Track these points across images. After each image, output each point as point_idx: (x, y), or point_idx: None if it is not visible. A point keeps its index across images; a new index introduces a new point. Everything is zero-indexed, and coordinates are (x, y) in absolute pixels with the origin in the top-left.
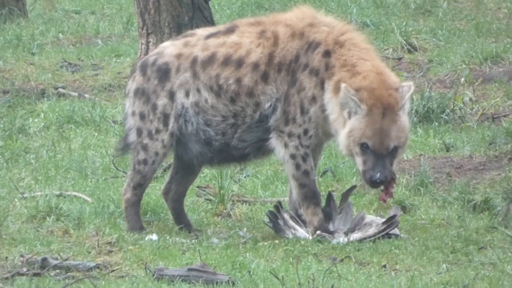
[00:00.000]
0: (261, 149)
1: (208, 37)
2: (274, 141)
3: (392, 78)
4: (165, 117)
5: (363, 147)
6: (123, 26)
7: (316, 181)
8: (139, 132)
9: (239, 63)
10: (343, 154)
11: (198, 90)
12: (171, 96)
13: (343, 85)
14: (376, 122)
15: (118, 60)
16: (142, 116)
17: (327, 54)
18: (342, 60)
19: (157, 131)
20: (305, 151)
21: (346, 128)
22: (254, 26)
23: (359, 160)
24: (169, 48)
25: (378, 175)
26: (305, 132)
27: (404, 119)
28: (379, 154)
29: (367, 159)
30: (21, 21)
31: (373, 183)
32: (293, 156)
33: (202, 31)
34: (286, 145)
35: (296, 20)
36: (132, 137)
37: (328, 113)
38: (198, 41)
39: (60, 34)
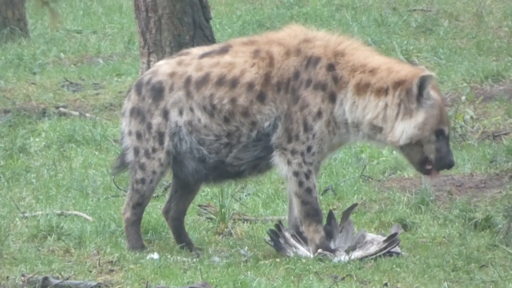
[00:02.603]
0: (257, 167)
1: (203, 56)
2: (277, 159)
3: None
4: (160, 136)
5: (439, 134)
6: (125, 45)
7: (318, 199)
8: (136, 151)
9: (234, 83)
10: (398, 144)
11: (192, 109)
12: (165, 114)
13: (417, 76)
14: (445, 108)
15: (119, 79)
16: (139, 135)
17: (331, 67)
18: (349, 67)
19: (154, 150)
20: (308, 168)
21: (418, 117)
22: (247, 46)
23: (430, 148)
24: (163, 67)
25: (454, 158)
26: (309, 149)
27: None
28: (449, 139)
29: (441, 145)
30: (23, 41)
31: (451, 166)
32: (296, 174)
33: (197, 50)
34: (289, 162)
35: (289, 38)
36: (130, 156)
37: (360, 115)
38: (192, 60)
39: (61, 53)
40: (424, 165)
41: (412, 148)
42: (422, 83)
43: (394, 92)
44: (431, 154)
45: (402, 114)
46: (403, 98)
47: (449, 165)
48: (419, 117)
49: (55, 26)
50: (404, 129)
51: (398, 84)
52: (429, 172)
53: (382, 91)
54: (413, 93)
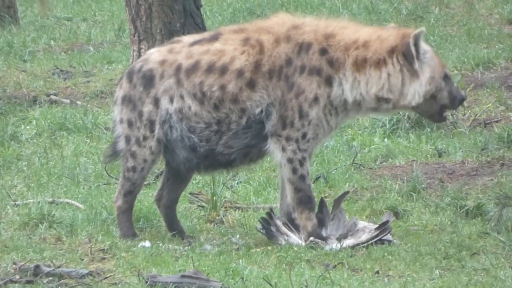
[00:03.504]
0: (247, 156)
1: (193, 44)
2: (272, 146)
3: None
4: (151, 124)
5: (445, 78)
6: (115, 33)
7: (311, 186)
8: (128, 139)
9: (223, 70)
10: (411, 106)
11: (182, 97)
12: (156, 102)
13: (410, 38)
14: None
15: (110, 67)
16: (130, 124)
17: (323, 51)
18: (342, 47)
19: (145, 138)
20: (302, 155)
21: (425, 74)
22: (237, 33)
23: (443, 94)
24: (154, 55)
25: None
26: (303, 136)
27: None
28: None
29: (450, 87)
30: (13, 28)
31: (465, 100)
32: (290, 160)
33: (187, 38)
34: (283, 149)
35: (277, 26)
36: (121, 144)
37: (364, 91)
38: (183, 48)
39: (51, 41)
40: (442, 114)
41: (426, 104)
42: (416, 41)
43: (392, 60)
44: (445, 99)
45: (408, 78)
46: (403, 63)
47: (463, 99)
48: (426, 73)
49: (45, 13)
50: (416, 90)
51: (392, 51)
52: (445, 118)
53: (380, 62)
54: (413, 54)
